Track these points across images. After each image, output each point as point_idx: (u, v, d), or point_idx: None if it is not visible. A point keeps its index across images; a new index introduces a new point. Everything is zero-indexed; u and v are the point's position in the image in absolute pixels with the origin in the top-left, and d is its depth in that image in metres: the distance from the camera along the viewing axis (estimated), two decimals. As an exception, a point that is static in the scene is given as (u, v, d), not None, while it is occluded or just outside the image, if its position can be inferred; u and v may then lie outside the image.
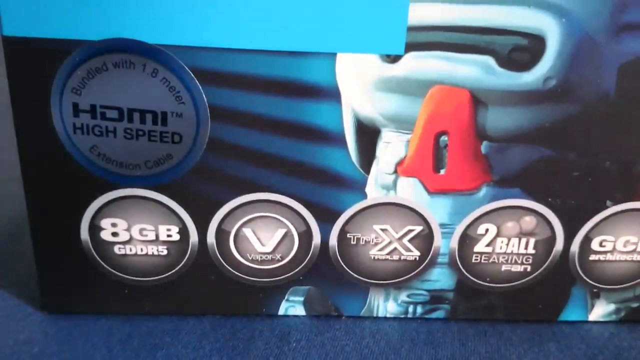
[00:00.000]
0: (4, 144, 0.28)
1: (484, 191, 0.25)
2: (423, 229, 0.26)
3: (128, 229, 0.26)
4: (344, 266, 0.27)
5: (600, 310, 0.28)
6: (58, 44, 0.23)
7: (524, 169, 0.25)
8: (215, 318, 0.28)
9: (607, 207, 0.26)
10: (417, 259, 0.27)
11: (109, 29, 0.22)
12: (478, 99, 0.24)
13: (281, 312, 0.28)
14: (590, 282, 0.28)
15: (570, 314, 0.28)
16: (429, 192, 0.25)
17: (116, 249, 0.26)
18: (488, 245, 0.27)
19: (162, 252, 0.26)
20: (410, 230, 0.26)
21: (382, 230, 0.26)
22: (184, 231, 0.26)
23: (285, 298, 0.28)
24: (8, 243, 0.33)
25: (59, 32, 0.22)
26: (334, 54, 0.23)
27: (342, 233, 0.26)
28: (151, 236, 0.26)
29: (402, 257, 0.27)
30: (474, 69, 0.23)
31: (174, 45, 0.23)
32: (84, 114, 0.24)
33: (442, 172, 0.25)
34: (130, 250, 0.26)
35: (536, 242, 0.27)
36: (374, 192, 0.25)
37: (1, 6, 0.22)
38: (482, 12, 0.22)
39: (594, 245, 0.27)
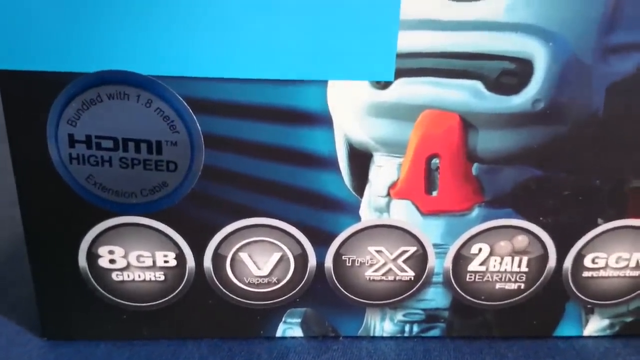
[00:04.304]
0: (2, 167, 0.29)
1: (476, 212, 0.26)
2: (417, 249, 0.27)
3: (125, 256, 0.26)
4: (340, 287, 0.27)
5: (595, 326, 0.29)
6: (53, 77, 0.23)
7: (515, 189, 0.25)
8: (213, 341, 0.28)
9: (598, 225, 0.26)
10: (412, 279, 0.27)
11: (103, 61, 0.23)
12: (468, 122, 0.24)
13: (279, 334, 0.28)
14: (584, 298, 0.28)
15: (565, 329, 0.29)
16: (422, 214, 0.26)
17: (114, 275, 0.27)
18: (482, 264, 0.27)
19: (160, 277, 0.27)
20: (405, 251, 0.27)
21: (377, 251, 0.27)
22: (180, 257, 0.26)
23: (283, 320, 0.28)
24: (8, 268, 0.33)
25: (53, 65, 0.23)
26: (326, 82, 0.23)
27: (338, 255, 0.27)
28: (148, 262, 0.26)
29: (397, 278, 0.27)
30: (463, 94, 0.24)
31: (168, 75, 0.23)
32: (80, 144, 0.24)
33: (435, 194, 0.25)
34: (128, 276, 0.27)
35: (529, 260, 0.27)
36: (367, 215, 0.26)
37: (-4, 40, 0.23)
38: (470, 39, 0.23)
39: (587, 262, 0.27)
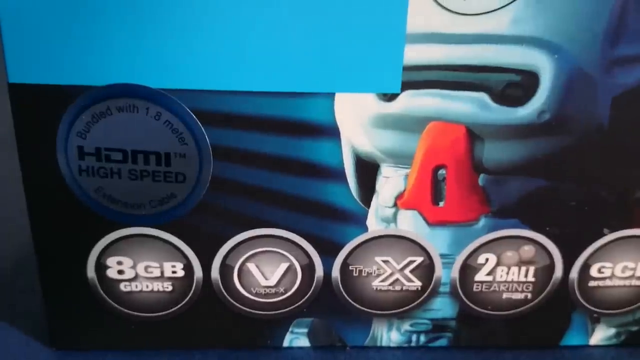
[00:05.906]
0: (8, 177, 0.29)
1: (482, 222, 0.26)
2: (424, 259, 0.27)
3: (134, 267, 0.26)
4: (347, 298, 0.27)
5: (601, 335, 0.29)
6: (63, 90, 0.23)
7: (521, 200, 0.25)
8: (221, 351, 0.28)
9: (604, 235, 0.26)
10: (419, 289, 0.27)
11: (113, 74, 0.23)
12: (474, 134, 0.24)
13: (286, 344, 0.28)
14: (590, 307, 0.28)
15: (572, 339, 0.29)
16: (429, 224, 0.26)
17: (122, 286, 0.27)
18: (488, 274, 0.27)
19: (168, 288, 0.27)
20: (412, 261, 0.27)
21: (384, 261, 0.27)
22: (188, 267, 0.26)
23: (290, 330, 0.28)
24: (17, 277, 0.33)
25: (63, 79, 0.23)
26: (333, 94, 0.24)
27: (345, 265, 0.27)
28: (156, 273, 0.27)
29: (404, 288, 0.27)
30: (469, 106, 0.24)
31: (176, 88, 0.23)
32: (89, 156, 0.24)
33: (441, 204, 0.25)
34: (136, 287, 0.27)
35: (536, 270, 0.27)
36: (374, 225, 0.26)
37: (7, 54, 0.23)
38: (475, 51, 0.23)
39: (593, 271, 0.27)
